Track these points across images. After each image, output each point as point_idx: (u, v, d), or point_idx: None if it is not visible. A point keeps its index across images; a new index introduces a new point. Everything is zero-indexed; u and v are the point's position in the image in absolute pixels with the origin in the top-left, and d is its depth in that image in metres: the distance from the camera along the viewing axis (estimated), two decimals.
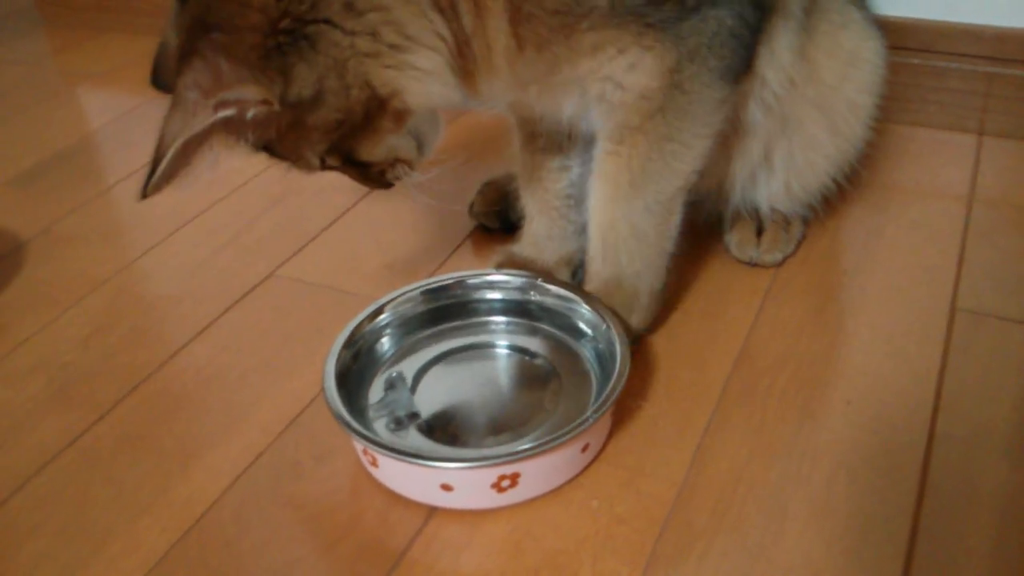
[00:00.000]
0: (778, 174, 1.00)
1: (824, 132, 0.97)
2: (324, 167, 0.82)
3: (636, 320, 0.93)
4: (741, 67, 0.86)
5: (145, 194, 0.73)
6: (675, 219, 0.92)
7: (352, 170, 0.84)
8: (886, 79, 1.00)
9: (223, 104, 0.71)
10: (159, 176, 0.72)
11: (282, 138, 0.77)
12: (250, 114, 0.73)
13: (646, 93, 0.84)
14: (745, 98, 0.92)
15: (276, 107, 0.73)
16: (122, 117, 1.47)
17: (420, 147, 0.85)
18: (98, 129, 1.45)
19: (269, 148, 0.79)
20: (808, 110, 0.96)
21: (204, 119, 0.70)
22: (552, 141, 0.97)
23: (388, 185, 0.86)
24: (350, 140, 0.79)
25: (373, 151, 0.82)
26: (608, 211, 0.90)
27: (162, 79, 0.81)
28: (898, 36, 1.04)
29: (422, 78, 0.77)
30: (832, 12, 0.95)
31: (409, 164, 0.85)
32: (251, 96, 0.72)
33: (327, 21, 0.73)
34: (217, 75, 0.70)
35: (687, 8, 0.80)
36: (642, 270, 0.92)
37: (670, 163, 0.87)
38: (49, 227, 1.21)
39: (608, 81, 0.84)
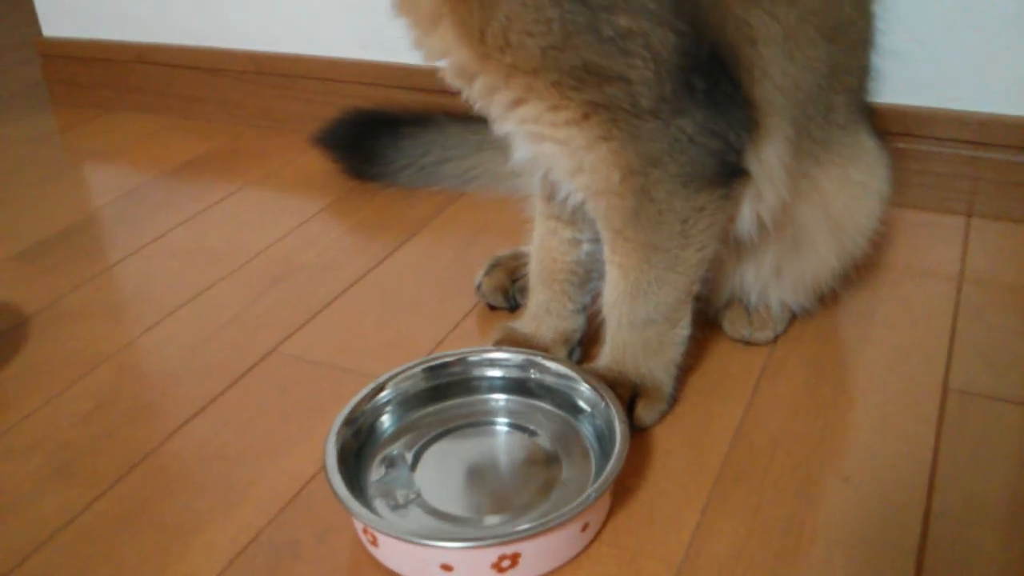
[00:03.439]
0: (787, 284, 1.02)
1: (832, 253, 1.00)
2: None
3: (641, 414, 0.93)
4: (713, 176, 0.84)
5: None
6: (680, 331, 0.94)
7: None
8: (890, 197, 1.03)
9: None
10: None
11: None
12: None
13: (611, 187, 0.83)
14: (741, 213, 0.91)
15: None
16: (127, 195, 1.50)
17: None
18: (103, 206, 1.47)
19: None
20: (819, 234, 0.98)
21: None
22: (565, 209, 0.96)
23: None
24: None
25: None
26: (614, 314, 0.92)
27: None
28: (881, 121, 1.07)
29: None
30: (844, 146, 0.95)
31: None
32: None
33: None
34: None
35: (641, 107, 0.77)
36: (647, 374, 0.93)
37: (663, 275, 0.88)
38: (53, 303, 1.22)
39: (569, 152, 0.82)
